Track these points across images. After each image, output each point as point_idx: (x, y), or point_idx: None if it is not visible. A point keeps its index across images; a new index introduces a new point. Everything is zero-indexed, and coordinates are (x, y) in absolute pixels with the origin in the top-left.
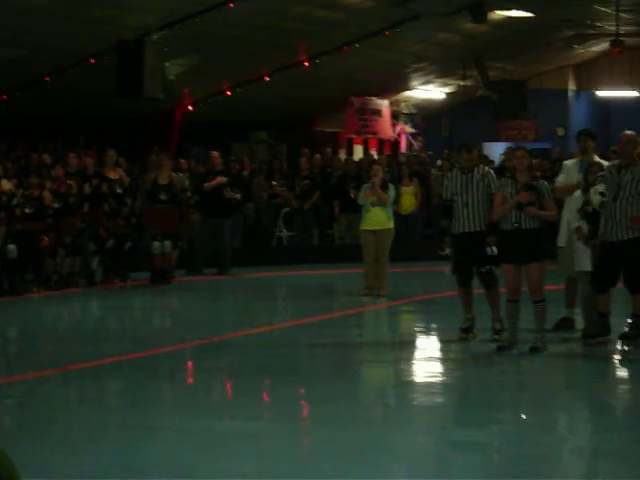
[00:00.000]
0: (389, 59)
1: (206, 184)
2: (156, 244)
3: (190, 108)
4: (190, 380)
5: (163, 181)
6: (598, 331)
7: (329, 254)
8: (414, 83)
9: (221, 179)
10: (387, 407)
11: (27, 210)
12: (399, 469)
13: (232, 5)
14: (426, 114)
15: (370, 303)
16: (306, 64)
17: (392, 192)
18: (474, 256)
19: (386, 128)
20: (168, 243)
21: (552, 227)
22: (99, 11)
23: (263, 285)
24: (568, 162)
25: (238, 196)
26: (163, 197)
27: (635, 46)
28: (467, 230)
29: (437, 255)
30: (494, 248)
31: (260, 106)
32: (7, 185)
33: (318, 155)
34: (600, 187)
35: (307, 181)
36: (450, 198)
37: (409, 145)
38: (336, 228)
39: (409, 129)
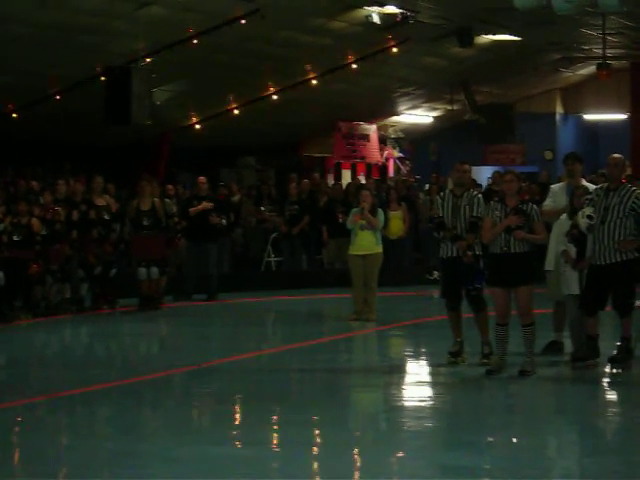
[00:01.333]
0: (376, 84)
1: (191, 209)
2: (142, 270)
3: (178, 134)
4: (179, 406)
5: (145, 207)
6: (587, 354)
7: (318, 279)
8: (401, 108)
9: (206, 204)
10: (377, 432)
11: (15, 237)
12: None
13: (219, 31)
14: (414, 138)
15: (359, 328)
16: (293, 89)
17: (381, 217)
18: (463, 279)
19: (374, 153)
20: (155, 269)
21: (540, 251)
22: (87, 38)
23: (252, 310)
24: (555, 186)
25: (224, 221)
26: (145, 223)
27: (622, 69)
28: (456, 255)
29: (426, 279)
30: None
31: (248, 131)
32: None
33: (306, 180)
34: (588, 210)
35: (295, 206)
36: (441, 216)
37: (397, 170)
38: (325, 253)
39: (397, 154)
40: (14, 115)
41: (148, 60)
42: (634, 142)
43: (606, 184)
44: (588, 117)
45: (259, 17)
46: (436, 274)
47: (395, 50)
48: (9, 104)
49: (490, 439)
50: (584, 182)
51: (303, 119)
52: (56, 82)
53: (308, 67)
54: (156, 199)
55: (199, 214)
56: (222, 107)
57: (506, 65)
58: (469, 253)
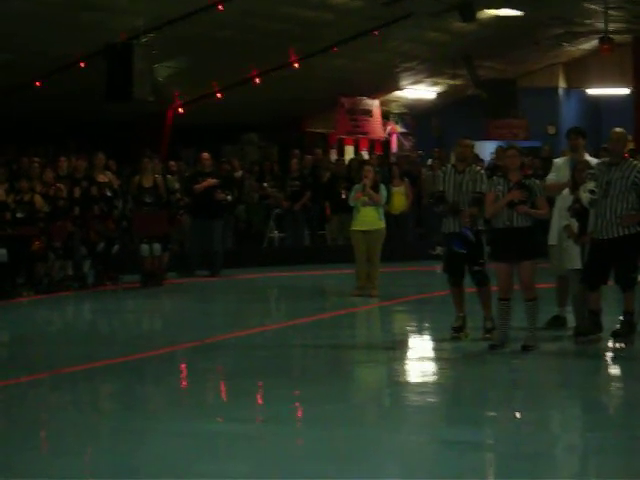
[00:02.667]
0: (379, 59)
1: (197, 186)
2: (145, 247)
3: (180, 110)
4: (183, 382)
5: (147, 184)
6: (590, 329)
7: (321, 255)
8: (404, 83)
9: (211, 181)
10: (380, 407)
11: (19, 214)
12: (393, 469)
13: (220, 7)
14: (416, 114)
15: (362, 303)
16: (296, 65)
17: (384, 192)
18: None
19: (377, 128)
20: (157, 246)
21: (543, 225)
22: (88, 15)
23: (255, 286)
24: (559, 160)
25: (229, 197)
26: (148, 200)
27: (625, 43)
28: (458, 230)
29: (428, 254)
30: (472, 227)
31: (250, 108)
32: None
33: (309, 156)
34: (590, 185)
35: (297, 182)
36: (442, 190)
37: (400, 145)
38: (328, 229)
39: (400, 129)
40: (16, 93)
41: (150, 36)
42: (637, 116)
43: (608, 159)
44: (591, 92)
45: None
46: (439, 249)
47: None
48: (10, 82)
49: (493, 414)
50: (587, 157)
51: (306, 95)
52: (57, 59)
53: (310, 42)
54: (158, 176)
55: (204, 190)
56: (224, 83)
57: (508, 40)
58: (467, 219)
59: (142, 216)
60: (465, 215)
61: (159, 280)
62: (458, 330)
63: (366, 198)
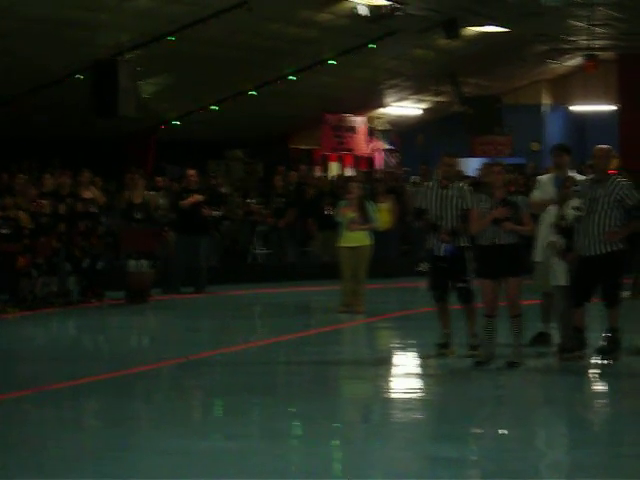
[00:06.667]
0: (364, 76)
1: (183, 202)
2: (132, 262)
3: (165, 127)
4: (168, 399)
5: (137, 200)
6: (574, 346)
7: (305, 271)
8: (389, 100)
9: (198, 197)
10: (366, 423)
11: (3, 231)
12: None
13: (206, 24)
14: (401, 130)
15: (348, 320)
16: (280, 82)
17: (372, 212)
18: (451, 271)
19: (361, 145)
20: (144, 262)
21: (528, 242)
22: (73, 31)
23: (240, 303)
24: (543, 177)
25: (217, 213)
26: (138, 216)
27: (609, 60)
28: (439, 249)
29: (414, 271)
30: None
31: (235, 124)
32: None
33: (293, 172)
34: (575, 201)
35: (282, 199)
36: (425, 207)
37: (385, 162)
38: (313, 245)
39: (384, 146)
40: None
41: (135, 53)
42: (621, 133)
43: (593, 175)
44: (575, 108)
45: (246, 9)
46: (424, 266)
47: (381, 42)
48: None
49: (478, 430)
50: (571, 173)
51: (291, 111)
52: (43, 75)
53: (296, 59)
54: (147, 192)
55: (190, 207)
56: (209, 100)
57: (493, 57)
58: (446, 237)
59: (130, 232)
60: (443, 232)
61: (144, 297)
62: (443, 347)
63: (354, 215)
